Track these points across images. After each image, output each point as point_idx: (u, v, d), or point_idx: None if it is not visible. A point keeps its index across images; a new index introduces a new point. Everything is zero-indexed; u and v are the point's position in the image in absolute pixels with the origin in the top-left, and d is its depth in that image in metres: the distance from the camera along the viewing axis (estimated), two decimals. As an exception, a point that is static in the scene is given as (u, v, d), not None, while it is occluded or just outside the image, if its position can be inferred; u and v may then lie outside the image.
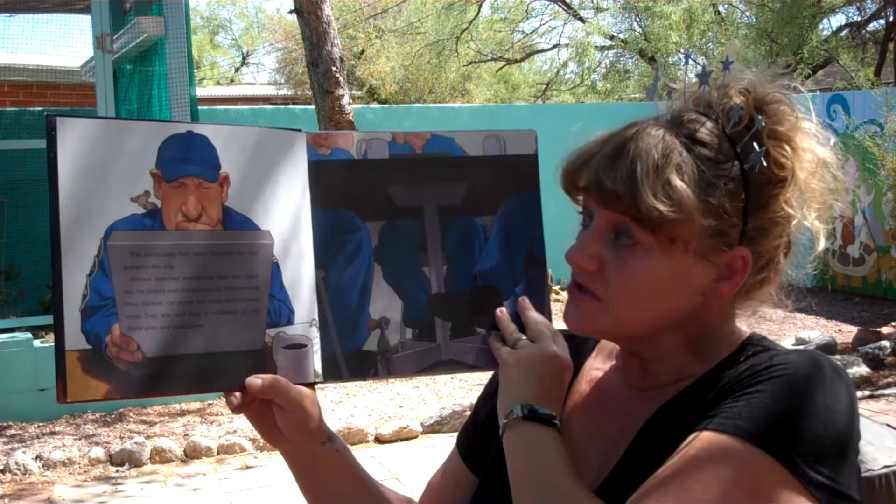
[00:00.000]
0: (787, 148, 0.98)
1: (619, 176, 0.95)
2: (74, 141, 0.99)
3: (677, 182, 0.93)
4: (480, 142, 1.16)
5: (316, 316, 1.09)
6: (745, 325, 1.07)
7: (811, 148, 1.00)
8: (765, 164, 0.96)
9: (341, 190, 1.11)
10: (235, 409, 1.07)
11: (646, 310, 0.99)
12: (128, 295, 0.99)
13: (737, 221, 0.96)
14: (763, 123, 0.97)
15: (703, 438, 0.89)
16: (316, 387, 1.09)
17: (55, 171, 0.98)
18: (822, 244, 1.03)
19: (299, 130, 1.11)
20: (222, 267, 1.04)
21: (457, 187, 1.15)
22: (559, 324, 1.10)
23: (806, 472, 0.86)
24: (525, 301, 1.13)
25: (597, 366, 1.14)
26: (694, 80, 1.04)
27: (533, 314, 1.11)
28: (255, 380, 1.03)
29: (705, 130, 0.98)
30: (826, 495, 0.86)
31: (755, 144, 0.97)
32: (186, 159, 1.03)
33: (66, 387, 0.96)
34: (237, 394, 1.05)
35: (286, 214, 1.08)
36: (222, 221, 1.04)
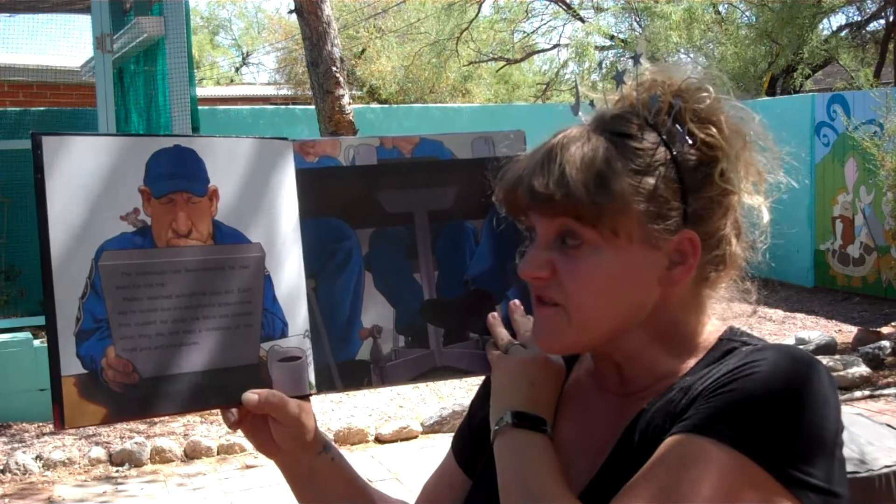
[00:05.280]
0: (713, 127, 0.99)
1: (552, 179, 0.95)
2: (62, 159, 0.97)
3: (608, 173, 0.94)
4: (469, 144, 1.15)
5: (308, 327, 1.08)
6: (743, 324, 1.06)
7: (736, 124, 1.01)
8: (690, 142, 0.98)
9: (330, 198, 1.10)
10: (232, 426, 1.06)
11: (607, 309, 0.98)
12: (121, 316, 0.99)
13: (676, 204, 0.96)
14: (679, 105, 0.98)
15: (677, 441, 0.88)
16: (311, 397, 1.09)
17: (43, 192, 0.96)
18: (765, 217, 1.03)
19: (286, 139, 1.10)
20: (215, 282, 1.03)
21: (446, 191, 1.14)
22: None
23: (784, 470, 0.85)
24: (516, 305, 1.13)
25: (582, 372, 1.13)
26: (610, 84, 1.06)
27: (523, 319, 1.11)
28: (252, 395, 1.03)
29: (628, 124, 0.99)
30: (807, 493, 0.85)
31: (678, 127, 0.98)
32: (174, 174, 1.02)
33: (63, 413, 0.95)
34: (234, 409, 1.05)
35: (276, 225, 1.07)
36: (213, 236, 1.04)
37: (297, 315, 1.08)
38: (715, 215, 0.99)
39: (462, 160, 1.15)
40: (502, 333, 1.09)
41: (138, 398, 0.98)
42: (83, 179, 0.98)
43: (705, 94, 1.01)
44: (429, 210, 1.13)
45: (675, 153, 0.97)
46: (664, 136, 0.98)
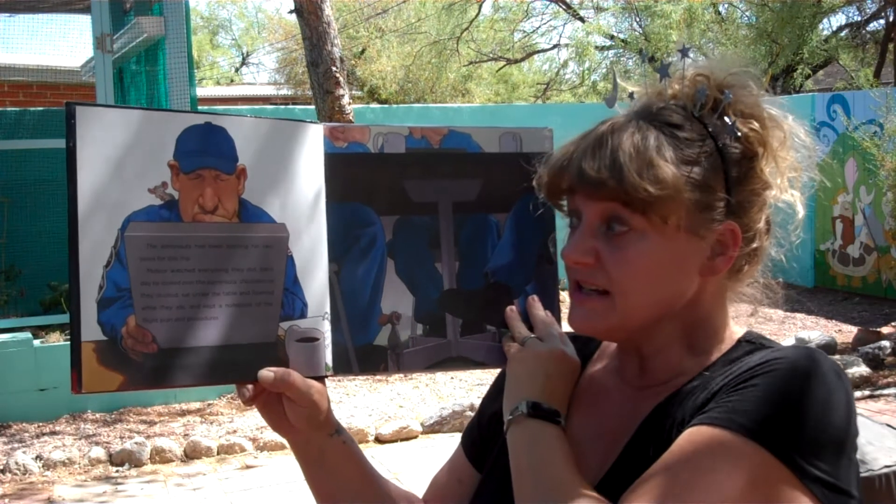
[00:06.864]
0: (755, 123, 1.02)
1: (603, 164, 0.97)
2: (94, 130, 0.99)
3: (659, 161, 0.96)
4: (497, 139, 1.17)
5: (328, 309, 1.09)
6: (744, 324, 1.07)
7: (777, 120, 1.04)
8: (738, 134, 1.00)
9: (357, 183, 1.12)
10: (247, 402, 1.08)
11: (651, 296, 1.00)
12: (144, 286, 1.00)
13: (721, 195, 0.99)
14: (730, 98, 1.01)
15: (697, 432, 0.89)
16: (325, 380, 1.10)
17: (74, 161, 0.97)
18: (800, 212, 1.05)
19: (316, 122, 1.11)
20: (237, 260, 1.05)
21: (472, 184, 1.15)
22: (566, 324, 1.10)
23: (802, 466, 0.86)
24: (534, 300, 1.14)
25: (598, 367, 1.14)
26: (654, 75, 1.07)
27: (541, 313, 1.13)
28: (268, 373, 1.04)
29: (675, 115, 1.01)
30: (823, 489, 0.86)
31: (725, 120, 1.00)
32: (204, 151, 1.04)
33: (81, 378, 0.97)
34: (249, 386, 1.07)
35: (301, 207, 1.09)
36: (238, 214, 1.05)
37: (317, 296, 1.09)
38: (753, 208, 1.02)
39: (489, 154, 1.16)
40: (520, 327, 1.11)
41: (155, 368, 1.00)
42: (114, 151, 0.99)
43: (749, 89, 1.03)
44: (453, 201, 1.15)
45: (720, 145, 0.99)
46: (710, 129, 1.00)
